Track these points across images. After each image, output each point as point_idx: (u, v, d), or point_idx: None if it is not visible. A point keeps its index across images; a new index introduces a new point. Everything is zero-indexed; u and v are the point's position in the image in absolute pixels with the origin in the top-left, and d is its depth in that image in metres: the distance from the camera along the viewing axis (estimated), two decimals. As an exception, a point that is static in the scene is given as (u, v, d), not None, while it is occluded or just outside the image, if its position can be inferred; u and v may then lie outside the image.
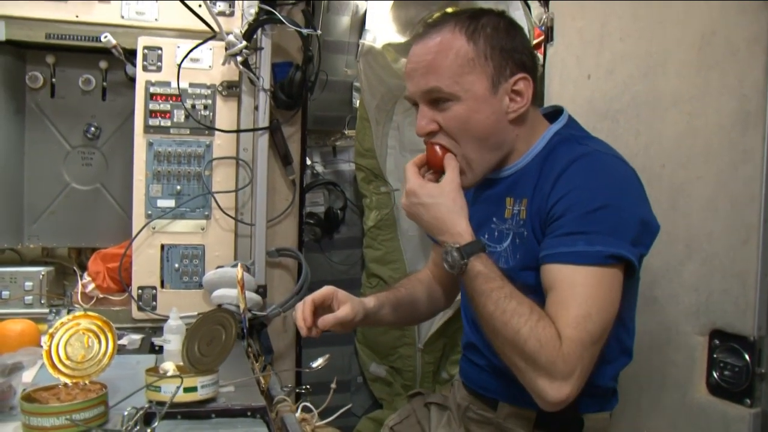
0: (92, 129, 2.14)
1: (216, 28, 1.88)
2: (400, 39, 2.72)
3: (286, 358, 2.19)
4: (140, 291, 2.04)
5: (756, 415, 1.46)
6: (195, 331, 1.24)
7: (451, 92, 1.26)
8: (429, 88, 1.27)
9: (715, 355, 1.56)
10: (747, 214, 1.49)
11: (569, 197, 1.22)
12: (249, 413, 1.29)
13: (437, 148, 1.29)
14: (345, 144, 3.30)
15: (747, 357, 1.48)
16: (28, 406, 1.12)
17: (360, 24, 3.00)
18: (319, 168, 3.23)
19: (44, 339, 1.25)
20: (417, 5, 2.57)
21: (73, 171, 2.16)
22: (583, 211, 1.20)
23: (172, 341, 1.58)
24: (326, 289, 1.38)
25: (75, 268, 2.17)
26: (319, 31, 2.04)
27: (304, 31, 2.00)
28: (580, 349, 1.15)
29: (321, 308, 1.37)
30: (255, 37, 2.00)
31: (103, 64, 2.12)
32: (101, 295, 2.07)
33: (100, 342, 1.26)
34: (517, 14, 2.42)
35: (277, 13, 1.93)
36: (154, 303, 2.04)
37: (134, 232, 2.02)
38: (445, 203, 1.22)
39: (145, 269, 2.05)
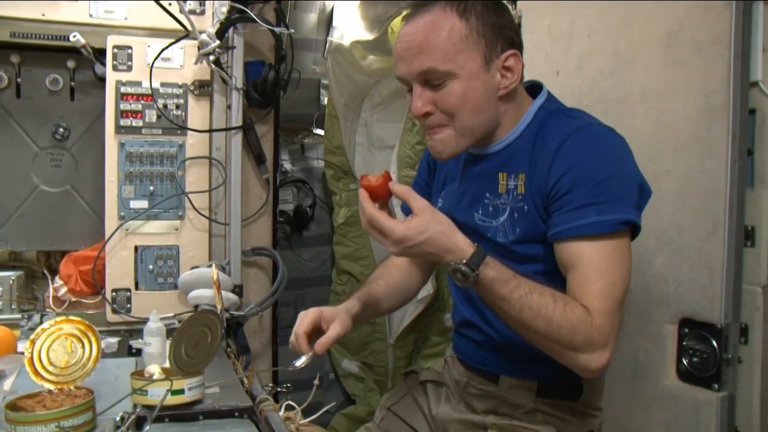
0: (61, 130, 2.09)
1: (189, 27, 1.86)
2: (368, 36, 2.72)
3: (263, 358, 2.19)
4: (114, 293, 2.01)
5: (723, 399, 1.53)
6: (182, 333, 1.23)
7: (446, 70, 1.27)
8: (424, 69, 1.28)
9: (684, 343, 1.62)
10: (714, 207, 1.55)
11: (574, 171, 1.26)
12: (236, 414, 1.29)
13: (371, 180, 1.24)
14: (313, 141, 3.29)
15: (714, 344, 1.54)
16: (13, 414, 1.09)
17: (327, 21, 2.99)
18: (287, 166, 3.23)
19: (25, 345, 1.22)
20: (385, 3, 2.57)
21: (42, 173, 2.11)
22: (590, 183, 1.24)
23: (153, 344, 1.56)
24: (312, 314, 1.37)
25: (45, 271, 2.13)
26: (291, 30, 2.04)
27: (277, 29, 1.99)
28: (610, 318, 1.21)
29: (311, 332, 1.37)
30: (227, 36, 1.98)
31: (70, 64, 2.08)
32: (74, 299, 2.03)
33: (83, 346, 1.24)
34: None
35: (249, 12, 1.91)
36: (129, 305, 2.02)
37: (107, 234, 1.99)
38: (436, 229, 1.20)
39: (118, 271, 2.02)
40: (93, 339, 1.25)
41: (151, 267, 2.04)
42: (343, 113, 2.98)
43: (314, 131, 3.24)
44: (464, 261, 1.18)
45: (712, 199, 1.55)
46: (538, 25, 2.10)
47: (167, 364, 1.33)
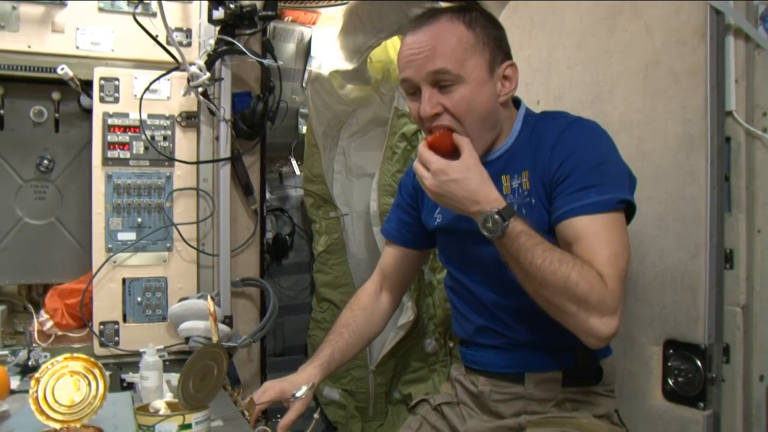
0: (45, 162, 2.07)
1: (179, 59, 1.87)
2: (347, 66, 2.76)
3: (252, 388, 2.16)
4: (102, 326, 1.99)
5: (709, 417, 1.57)
6: (190, 367, 1.23)
7: (458, 74, 1.34)
8: (437, 69, 1.34)
9: (669, 363, 1.66)
10: (695, 231, 1.61)
11: (572, 159, 1.35)
12: (243, 447, 1.29)
13: (442, 131, 1.35)
14: (291, 170, 3.31)
15: (699, 363, 1.58)
16: None
17: (305, 51, 3.03)
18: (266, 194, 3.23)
19: (30, 384, 1.21)
20: (365, 34, 2.62)
21: (26, 205, 2.08)
22: (587, 167, 1.34)
23: (150, 378, 1.55)
24: (273, 393, 1.55)
25: (29, 305, 2.08)
26: (280, 62, 2.06)
27: (265, 62, 2.02)
28: (620, 283, 1.27)
29: None
30: (214, 67, 2.00)
31: (55, 95, 2.06)
32: (60, 333, 2.00)
33: (89, 384, 1.23)
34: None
35: (237, 44, 1.93)
36: (117, 338, 1.99)
37: (95, 267, 1.97)
38: (475, 176, 1.28)
39: (106, 304, 2.00)
40: (99, 376, 1.24)
41: (139, 299, 2.02)
42: (322, 142, 3.00)
43: (292, 160, 3.25)
44: (497, 210, 1.24)
45: (693, 224, 1.61)
46: (518, 56, 2.14)
47: (166, 398, 1.32)
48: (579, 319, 1.26)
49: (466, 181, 1.28)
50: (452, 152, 1.33)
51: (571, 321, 1.27)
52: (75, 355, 1.25)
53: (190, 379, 1.24)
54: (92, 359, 1.26)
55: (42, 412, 1.20)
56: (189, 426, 1.23)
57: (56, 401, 1.21)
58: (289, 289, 3.26)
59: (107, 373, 1.77)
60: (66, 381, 1.23)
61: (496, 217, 1.24)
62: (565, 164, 1.36)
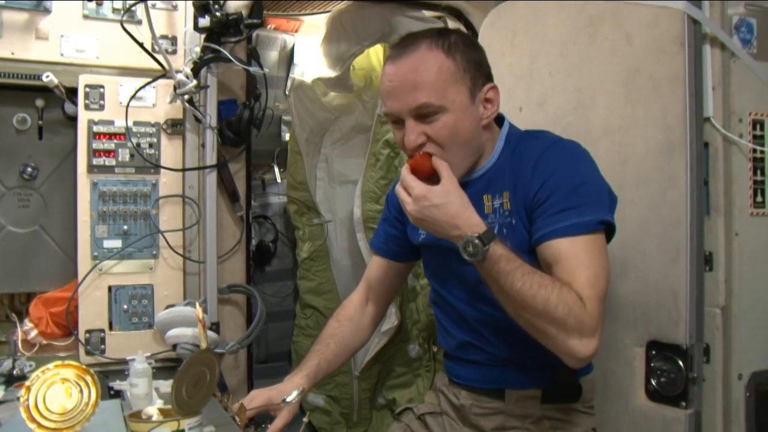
0: (29, 169, 2.05)
1: (167, 67, 1.87)
2: (330, 74, 2.78)
3: (239, 394, 2.15)
4: (88, 335, 1.97)
5: (691, 416, 1.60)
6: (183, 373, 1.23)
7: (440, 105, 1.36)
8: (419, 104, 1.36)
9: (652, 364, 1.69)
10: (675, 235, 1.64)
11: (552, 180, 1.37)
12: (237, 452, 1.30)
13: (422, 153, 1.37)
14: (274, 177, 3.31)
15: (681, 364, 1.61)
16: None
17: (288, 58, 3.04)
18: (249, 202, 3.23)
19: (20, 393, 1.20)
20: (348, 41, 2.64)
21: (9, 213, 2.06)
22: (567, 189, 1.35)
23: (140, 385, 1.54)
24: (261, 401, 1.57)
25: (12, 314, 2.06)
26: (266, 69, 2.07)
27: (251, 69, 2.03)
28: (598, 305, 1.29)
29: None
30: (200, 75, 2.00)
31: (39, 103, 2.05)
32: (45, 342, 1.98)
33: (81, 391, 1.23)
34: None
35: (224, 51, 1.94)
36: (103, 346, 1.98)
37: (81, 275, 1.95)
38: (455, 201, 1.30)
39: (92, 312, 1.98)
40: (91, 382, 1.24)
41: (125, 307, 2.01)
42: (305, 149, 3.01)
43: (275, 167, 3.26)
44: (477, 234, 1.26)
45: (673, 227, 1.65)
46: (499, 64, 2.19)
47: (156, 405, 1.32)
48: (559, 340, 1.28)
49: (446, 206, 1.30)
50: (432, 175, 1.35)
51: (551, 342, 1.30)
52: (66, 362, 1.25)
53: (183, 384, 1.24)
54: (84, 366, 1.26)
55: (33, 420, 1.19)
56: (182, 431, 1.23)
57: (48, 409, 1.21)
58: (273, 296, 3.26)
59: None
60: (57, 389, 1.22)
61: (476, 241, 1.26)
62: (546, 186, 1.37)
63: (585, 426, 1.53)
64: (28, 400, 1.19)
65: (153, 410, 1.28)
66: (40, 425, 1.19)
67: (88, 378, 1.25)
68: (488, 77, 1.47)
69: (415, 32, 1.46)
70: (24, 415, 1.19)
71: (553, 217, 1.35)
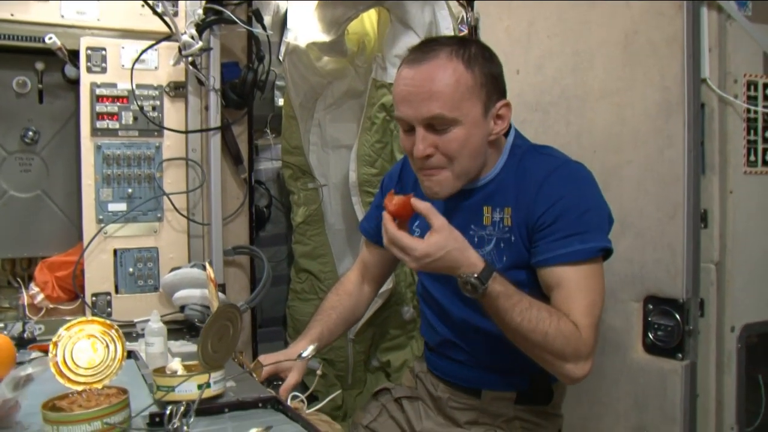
0: (30, 133, 2.03)
1: (173, 29, 1.86)
2: (325, 38, 2.77)
3: (245, 354, 2.21)
4: (94, 298, 1.99)
5: (686, 367, 1.67)
6: (209, 328, 1.26)
7: (453, 117, 1.36)
8: (433, 115, 1.35)
9: (649, 318, 1.75)
10: (673, 193, 1.69)
11: (558, 206, 1.40)
12: (260, 404, 1.32)
13: (401, 198, 1.32)
14: (267, 142, 3.31)
15: (678, 317, 1.68)
16: (54, 415, 1.08)
17: (281, 23, 3.01)
18: (242, 166, 3.23)
19: (49, 348, 1.22)
20: (343, 5, 2.63)
21: (11, 178, 2.04)
22: (572, 216, 1.39)
23: (156, 344, 1.57)
24: (270, 367, 1.60)
25: (16, 279, 2.06)
26: (270, 32, 2.07)
27: (255, 31, 2.02)
28: (593, 331, 1.36)
29: None
30: (202, 37, 1.99)
31: (39, 66, 2.02)
32: (51, 306, 1.99)
33: (107, 346, 1.25)
34: (443, 13, 2.54)
35: (228, 12, 1.93)
36: (110, 309, 2.00)
37: (86, 239, 1.96)
38: (453, 246, 1.29)
39: (98, 275, 2.00)
40: (116, 337, 1.25)
41: (131, 270, 2.03)
42: (299, 113, 3.01)
43: (269, 132, 3.25)
44: (475, 275, 1.28)
45: (671, 186, 1.70)
46: (496, 27, 2.21)
47: (171, 363, 1.34)
48: (556, 365, 1.37)
49: (447, 255, 1.29)
50: (413, 215, 1.35)
51: (549, 366, 1.38)
52: (90, 317, 1.27)
53: (209, 339, 1.27)
54: (108, 321, 1.27)
55: (63, 375, 1.20)
56: (208, 385, 1.26)
57: (76, 364, 1.22)
58: (268, 261, 3.27)
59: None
60: (83, 344, 1.23)
61: (475, 281, 1.28)
62: (551, 210, 1.40)
63: (552, 428, 1.62)
64: (56, 355, 1.20)
65: (178, 365, 1.30)
66: (69, 380, 1.21)
67: (113, 333, 1.26)
68: (503, 93, 1.46)
69: (436, 38, 1.47)
70: (53, 371, 1.20)
71: (558, 242, 1.39)
